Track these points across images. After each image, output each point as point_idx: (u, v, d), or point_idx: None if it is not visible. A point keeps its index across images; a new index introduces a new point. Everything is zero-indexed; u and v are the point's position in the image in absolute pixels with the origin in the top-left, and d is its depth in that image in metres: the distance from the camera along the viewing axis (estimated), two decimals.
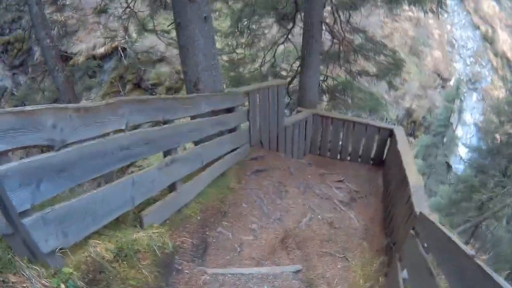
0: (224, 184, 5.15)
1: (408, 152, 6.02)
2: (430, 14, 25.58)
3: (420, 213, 3.45)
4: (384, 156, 8.32)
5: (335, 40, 9.10)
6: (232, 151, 5.54)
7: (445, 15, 26.66)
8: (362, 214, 5.74)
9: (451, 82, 25.34)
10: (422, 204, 3.84)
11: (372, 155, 8.48)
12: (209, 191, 4.76)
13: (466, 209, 13.98)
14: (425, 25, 25.79)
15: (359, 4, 8.52)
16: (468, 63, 26.77)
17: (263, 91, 6.32)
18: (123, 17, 8.90)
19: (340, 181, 6.78)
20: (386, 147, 8.19)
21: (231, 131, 5.49)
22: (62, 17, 11.76)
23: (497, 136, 15.92)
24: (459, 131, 22.37)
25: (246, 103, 5.97)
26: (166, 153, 3.71)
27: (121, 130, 2.91)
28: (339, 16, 8.64)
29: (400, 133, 7.41)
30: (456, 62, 26.64)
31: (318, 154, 8.74)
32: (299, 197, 5.62)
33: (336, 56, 9.39)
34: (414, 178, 4.68)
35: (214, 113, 4.91)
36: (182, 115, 3.99)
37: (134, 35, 10.52)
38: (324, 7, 8.29)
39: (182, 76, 5.35)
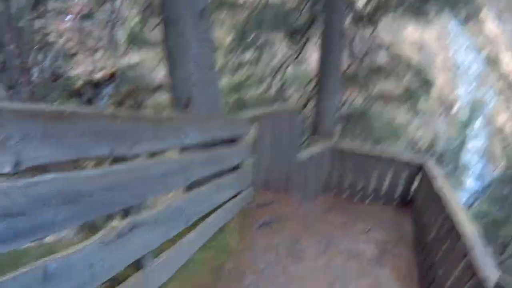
0: (221, 244, 3.66)
1: (452, 193, 4.79)
2: (435, 38, 25.01)
3: (498, 284, 2.59)
4: (411, 195, 6.99)
5: (353, 59, 7.65)
6: (234, 197, 4.02)
7: (448, 40, 26.07)
8: (395, 272, 4.63)
9: (454, 109, 24.35)
10: (487, 265, 2.93)
11: (397, 194, 7.12)
12: (199, 258, 3.26)
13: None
14: (428, 50, 24.97)
15: (382, 14, 7.11)
16: (472, 88, 25.80)
17: (274, 118, 4.92)
18: (108, 23, 7.54)
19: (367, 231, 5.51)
20: (414, 185, 6.89)
21: (232, 170, 3.97)
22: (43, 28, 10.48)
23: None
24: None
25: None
26: (124, 214, 2.12)
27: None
28: (361, 30, 7.21)
29: (434, 168, 6.10)
30: (459, 87, 25.66)
31: (333, 195, 7.29)
32: (320, 258, 4.29)
33: (355, 78, 7.93)
34: (467, 228, 3.61)
35: (209, 144, 3.42)
36: (151, 147, 2.23)
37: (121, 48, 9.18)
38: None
39: None
